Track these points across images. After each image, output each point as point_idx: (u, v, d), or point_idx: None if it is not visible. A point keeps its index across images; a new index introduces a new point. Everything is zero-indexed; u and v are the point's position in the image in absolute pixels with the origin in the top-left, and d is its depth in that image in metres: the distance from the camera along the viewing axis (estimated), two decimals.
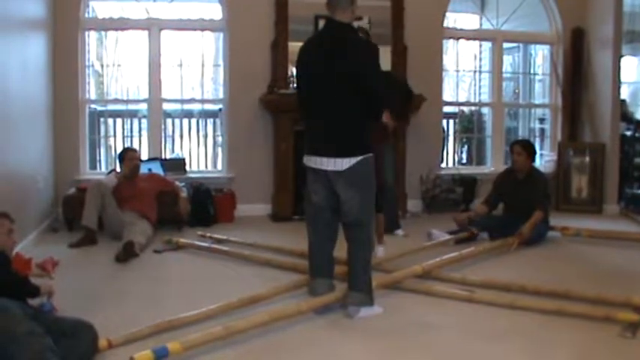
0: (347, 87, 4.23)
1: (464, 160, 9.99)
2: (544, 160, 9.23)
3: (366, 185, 4.37)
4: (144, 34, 8.01)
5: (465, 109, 9.82)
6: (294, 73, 4.75)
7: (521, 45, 10.00)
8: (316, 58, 4.34)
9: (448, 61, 9.05)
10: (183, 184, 7.37)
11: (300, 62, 4.48)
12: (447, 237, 6.39)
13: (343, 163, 4.26)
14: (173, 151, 8.78)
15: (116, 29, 8.65)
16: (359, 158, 4.27)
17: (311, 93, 4.39)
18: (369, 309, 4.28)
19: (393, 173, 6.86)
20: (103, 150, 8.69)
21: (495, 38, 9.01)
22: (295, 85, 4.71)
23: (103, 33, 8.95)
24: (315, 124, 4.43)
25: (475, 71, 9.75)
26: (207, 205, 7.42)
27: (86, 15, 7.84)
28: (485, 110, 9.49)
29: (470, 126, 9.73)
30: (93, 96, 8.52)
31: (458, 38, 9.05)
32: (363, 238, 4.39)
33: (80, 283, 5.01)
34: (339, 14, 4.33)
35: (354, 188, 4.30)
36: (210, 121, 8.96)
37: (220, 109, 8.35)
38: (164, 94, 8.15)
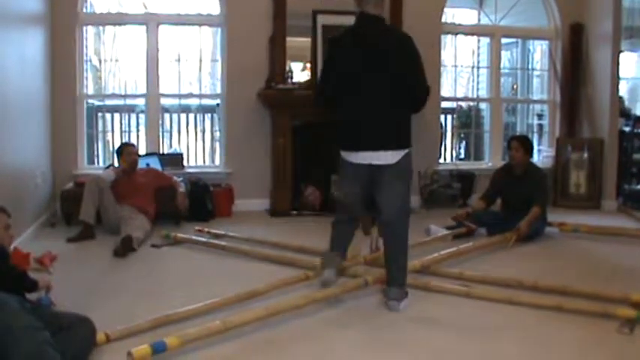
0: (396, 81, 4.27)
1: (462, 156, 9.99)
2: (542, 155, 9.24)
3: (408, 178, 4.49)
4: (142, 29, 8.00)
5: (463, 104, 9.81)
6: (324, 68, 4.54)
7: (519, 40, 10.02)
8: (362, 55, 4.29)
9: (446, 56, 9.05)
10: (181, 179, 7.36)
11: (340, 58, 4.39)
12: (445, 232, 6.40)
13: (393, 157, 4.31)
14: (171, 146, 8.79)
15: (114, 24, 8.62)
16: (406, 151, 4.36)
17: (356, 89, 4.31)
18: (406, 300, 4.34)
19: None
20: (100, 145, 8.67)
21: (494, 34, 9.01)
22: (322, 80, 4.53)
23: (100, 28, 8.92)
24: (361, 119, 4.34)
25: (473, 67, 9.74)
26: (205, 200, 7.41)
27: (84, 10, 7.82)
28: (483, 106, 9.50)
29: (468, 121, 9.73)
30: (91, 91, 8.51)
31: (456, 33, 9.05)
32: (402, 234, 4.42)
33: (78, 277, 5.01)
34: (373, 8, 4.33)
35: (399, 181, 4.37)
36: (208, 116, 8.94)
37: (218, 104, 8.35)
38: (162, 89, 8.15)
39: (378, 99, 4.29)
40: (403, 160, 4.34)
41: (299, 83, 7.87)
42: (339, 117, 4.47)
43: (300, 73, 8.14)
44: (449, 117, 9.73)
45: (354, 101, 4.34)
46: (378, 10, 4.35)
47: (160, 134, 8.20)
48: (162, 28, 8.04)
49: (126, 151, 6.88)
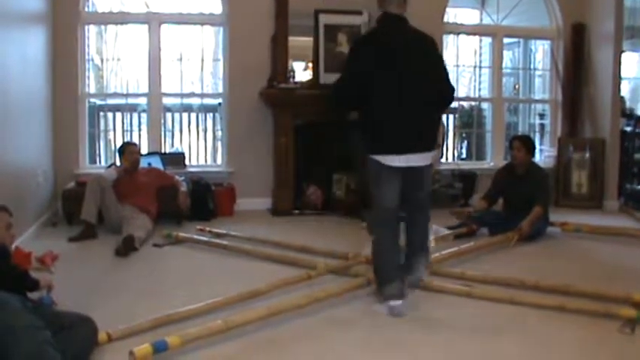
0: (428, 82, 4.32)
1: (463, 155, 9.99)
2: (544, 155, 9.23)
3: (432, 174, 4.72)
4: (144, 28, 8.00)
5: (465, 104, 9.81)
6: (351, 69, 4.41)
7: (521, 40, 10.00)
8: (397, 56, 4.27)
9: (448, 56, 9.03)
10: (182, 178, 7.36)
11: (371, 60, 4.29)
12: (447, 232, 6.39)
13: (428, 157, 4.40)
14: (173, 145, 8.79)
15: (116, 23, 8.63)
16: (435, 151, 4.49)
17: (393, 91, 4.24)
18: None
19: None
20: (102, 144, 8.67)
21: (495, 33, 9.00)
22: (349, 81, 4.41)
23: (102, 27, 8.93)
24: (403, 122, 4.27)
25: (475, 66, 9.74)
26: (206, 200, 7.42)
27: (86, 9, 7.82)
28: (485, 105, 9.49)
29: (470, 121, 9.73)
30: (92, 90, 8.51)
31: (458, 33, 9.05)
32: (427, 221, 4.72)
33: (80, 277, 5.02)
34: (397, 8, 4.35)
35: (429, 179, 4.60)
36: (209, 115, 8.95)
37: (220, 104, 8.35)
38: (164, 89, 8.15)
39: (416, 101, 4.27)
40: (432, 159, 4.52)
41: (301, 82, 7.87)
42: (372, 120, 4.35)
43: (302, 72, 8.13)
44: (451, 117, 9.73)
45: (391, 104, 4.25)
46: (401, 9, 4.37)
47: (162, 133, 8.20)
48: (164, 27, 8.04)
49: (128, 150, 6.88)
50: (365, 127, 4.40)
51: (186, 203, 7.08)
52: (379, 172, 4.32)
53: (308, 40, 7.87)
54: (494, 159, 9.02)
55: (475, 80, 9.95)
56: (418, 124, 4.31)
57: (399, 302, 4.22)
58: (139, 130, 8.69)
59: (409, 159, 4.29)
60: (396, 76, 4.24)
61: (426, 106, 4.32)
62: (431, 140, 4.41)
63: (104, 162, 8.27)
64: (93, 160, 8.20)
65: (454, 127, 9.84)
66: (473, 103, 9.80)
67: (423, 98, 4.29)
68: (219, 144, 8.65)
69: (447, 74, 4.50)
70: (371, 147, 4.34)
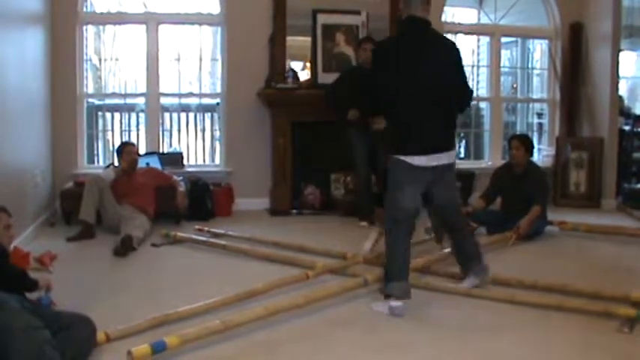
0: (452, 83, 4.43)
1: (462, 155, 9.97)
2: (542, 154, 9.24)
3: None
4: (142, 29, 8.00)
5: None
6: (379, 73, 4.44)
7: (519, 40, 10.02)
8: (425, 58, 4.35)
9: None
10: (181, 178, 7.36)
11: (401, 63, 4.34)
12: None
13: (452, 156, 4.49)
14: (171, 145, 8.78)
15: (114, 23, 8.62)
16: (455, 150, 4.59)
17: (423, 93, 4.32)
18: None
19: None
20: (100, 144, 8.67)
21: (493, 33, 9.01)
22: (377, 83, 4.45)
23: (100, 27, 8.91)
24: (430, 122, 4.36)
25: (473, 66, 9.72)
26: (205, 200, 7.42)
27: (84, 9, 7.82)
28: (483, 105, 9.48)
29: (468, 120, 9.71)
30: (91, 90, 8.49)
31: (456, 32, 9.03)
32: (464, 220, 4.90)
33: (78, 277, 5.02)
34: (421, 11, 4.45)
35: (454, 178, 4.69)
36: (207, 115, 8.94)
37: (218, 104, 8.35)
38: (162, 89, 8.15)
39: (441, 102, 4.38)
40: (455, 158, 4.62)
41: (299, 82, 7.87)
42: (399, 122, 4.43)
43: (300, 72, 8.13)
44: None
45: (417, 105, 4.33)
46: (425, 12, 4.46)
47: (160, 133, 8.20)
48: (162, 27, 8.03)
49: (126, 150, 6.88)
50: (391, 128, 4.51)
51: (184, 203, 7.08)
52: (404, 173, 4.37)
53: (306, 40, 7.88)
54: (492, 158, 9.03)
55: (473, 79, 9.92)
56: (442, 124, 4.43)
57: (399, 303, 4.22)
58: (137, 130, 8.67)
59: (434, 158, 4.37)
60: (421, 78, 4.32)
61: (448, 108, 4.47)
62: (452, 139, 4.55)
63: (102, 162, 8.26)
64: (91, 160, 8.20)
65: None
66: (471, 103, 9.79)
67: (446, 100, 4.41)
68: (217, 144, 8.65)
69: (465, 78, 4.61)
70: (397, 148, 4.40)
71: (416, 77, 4.32)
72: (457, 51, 4.59)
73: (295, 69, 8.05)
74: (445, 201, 4.61)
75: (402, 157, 4.34)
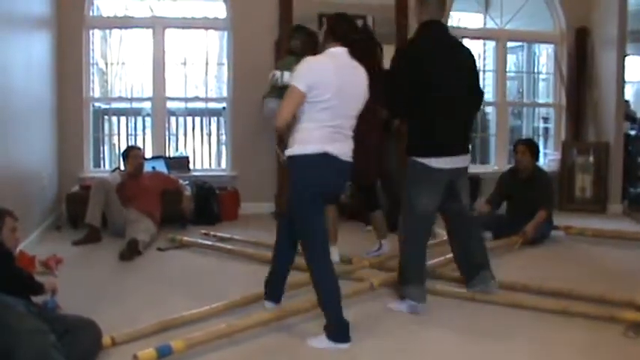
0: (469, 87, 4.50)
1: None
2: (548, 159, 9.23)
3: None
4: (148, 33, 8.03)
5: None
6: (403, 72, 4.40)
7: (525, 44, 10.01)
8: (448, 62, 4.39)
9: None
10: (187, 182, 7.37)
11: (425, 66, 4.33)
12: None
13: (467, 159, 4.57)
14: (177, 149, 8.81)
15: (120, 27, 8.66)
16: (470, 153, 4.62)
17: (438, 97, 4.32)
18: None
19: (397, 163, 6.86)
20: (107, 148, 8.70)
21: (499, 37, 9.00)
22: (399, 85, 4.42)
23: (107, 31, 8.95)
24: (447, 124, 4.37)
25: (479, 70, 9.71)
26: (211, 204, 7.43)
27: (91, 13, 7.86)
28: (489, 109, 9.48)
29: (473, 125, 9.71)
30: (97, 94, 8.52)
31: (462, 37, 8.97)
32: (477, 222, 4.85)
33: (84, 280, 5.03)
34: (439, 14, 4.47)
35: (467, 181, 4.73)
36: (214, 119, 8.97)
37: (224, 108, 8.36)
38: (168, 93, 8.17)
39: (461, 105, 4.44)
40: (469, 162, 4.65)
41: None
42: (420, 124, 4.43)
43: None
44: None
45: (438, 109, 4.35)
46: (440, 15, 4.48)
47: (166, 137, 8.22)
48: (168, 31, 8.06)
49: (132, 154, 6.89)
50: (412, 130, 4.51)
51: (190, 207, 7.09)
52: (423, 175, 4.38)
53: None
54: (498, 163, 9.02)
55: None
56: (460, 127, 4.49)
57: (419, 303, 4.32)
58: (143, 134, 8.70)
59: (453, 161, 4.40)
60: (444, 80, 4.34)
61: (466, 111, 4.55)
62: (469, 143, 4.58)
63: (108, 166, 8.29)
64: (97, 164, 8.23)
65: None
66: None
67: (465, 103, 4.47)
68: (223, 148, 8.66)
69: (479, 82, 4.72)
70: (417, 150, 4.41)
71: (439, 79, 4.33)
72: (473, 56, 4.66)
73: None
74: (461, 205, 4.64)
75: (421, 160, 4.35)
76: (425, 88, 4.31)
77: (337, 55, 3.91)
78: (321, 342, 3.74)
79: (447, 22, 8.42)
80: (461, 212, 4.67)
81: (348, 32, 4.01)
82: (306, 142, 3.78)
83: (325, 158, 3.77)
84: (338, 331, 3.74)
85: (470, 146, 4.62)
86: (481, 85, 4.78)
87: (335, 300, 3.81)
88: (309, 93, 3.71)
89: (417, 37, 4.53)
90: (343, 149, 3.86)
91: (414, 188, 4.42)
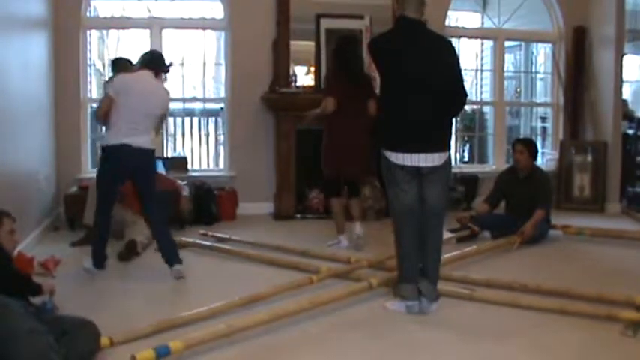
0: (448, 84, 4.38)
1: (465, 159, 9.98)
2: (546, 158, 9.23)
3: (449, 177, 4.61)
4: (145, 33, 8.02)
5: (467, 107, 9.79)
6: (385, 68, 4.43)
7: (522, 43, 10.00)
8: (423, 56, 4.31)
9: None
10: (184, 182, 7.37)
11: (398, 60, 4.32)
12: (449, 235, 6.38)
13: (441, 158, 4.36)
14: (175, 150, 8.79)
15: (118, 28, 8.65)
16: (449, 153, 4.43)
17: (420, 90, 4.28)
18: (438, 302, 4.38)
19: None
20: None
21: (497, 37, 9.01)
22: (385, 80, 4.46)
23: (104, 32, 8.94)
24: (418, 122, 4.31)
25: (477, 70, 9.74)
26: (209, 204, 7.43)
27: (88, 14, 7.84)
28: (486, 109, 9.50)
29: (471, 124, 9.73)
30: (94, 95, 8.49)
31: (459, 37, 9.04)
32: (441, 227, 4.52)
33: (82, 281, 5.02)
34: (414, 12, 4.38)
35: (444, 181, 4.47)
36: (211, 119, 8.96)
37: (222, 108, 8.36)
38: None
39: (436, 103, 4.31)
40: (448, 161, 4.44)
41: (303, 87, 7.88)
42: (388, 117, 4.44)
43: (304, 76, 8.13)
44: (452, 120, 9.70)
45: (415, 105, 4.29)
46: (418, 14, 4.39)
47: (164, 138, 8.21)
48: (165, 32, 8.05)
49: None
50: (380, 123, 4.53)
51: (188, 208, 7.08)
52: (395, 170, 4.35)
53: (310, 45, 7.88)
54: (496, 162, 9.03)
55: (477, 84, 9.94)
56: (433, 126, 4.36)
57: (415, 301, 4.29)
58: None
59: (422, 158, 4.30)
60: (410, 74, 4.28)
61: (440, 107, 4.35)
62: (442, 142, 4.42)
63: None
64: (95, 165, 8.19)
65: (456, 130, 9.82)
66: (475, 107, 9.79)
67: (438, 98, 4.31)
68: (221, 148, 8.65)
69: (461, 79, 4.54)
70: (384, 142, 4.40)
71: (401, 75, 4.30)
72: (453, 50, 4.56)
73: (297, 73, 8.04)
74: (431, 205, 4.40)
75: (390, 154, 4.33)
76: (391, 80, 4.35)
77: None
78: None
79: (443, 22, 8.46)
80: (425, 213, 4.41)
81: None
82: None
83: None
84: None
85: (447, 146, 4.44)
86: (465, 85, 4.59)
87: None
88: None
89: (388, 30, 4.54)
90: None
91: (391, 183, 4.42)
